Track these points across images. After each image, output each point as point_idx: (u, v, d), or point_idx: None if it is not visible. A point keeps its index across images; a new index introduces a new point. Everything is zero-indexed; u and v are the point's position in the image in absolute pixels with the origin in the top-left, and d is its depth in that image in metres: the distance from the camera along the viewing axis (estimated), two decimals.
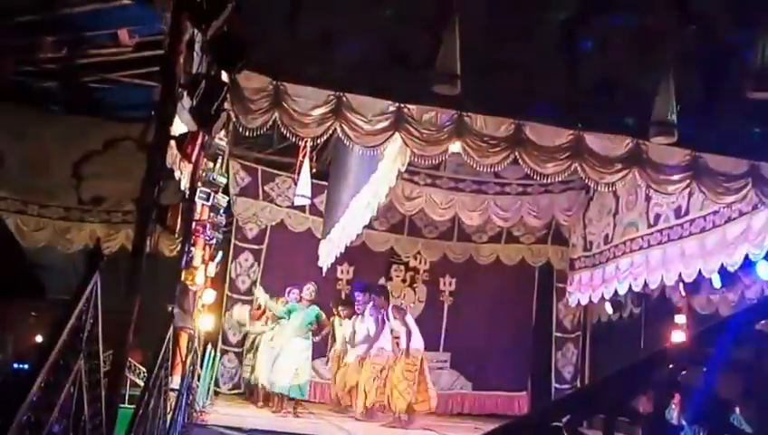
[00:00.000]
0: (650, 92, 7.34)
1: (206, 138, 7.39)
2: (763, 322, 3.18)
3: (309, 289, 11.08)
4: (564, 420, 3.06)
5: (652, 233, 11.02)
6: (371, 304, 11.09)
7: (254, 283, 13.40)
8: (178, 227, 6.35)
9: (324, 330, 11.54)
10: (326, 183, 12.66)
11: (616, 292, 12.02)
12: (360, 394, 10.83)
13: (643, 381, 3.12)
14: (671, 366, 3.12)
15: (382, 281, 13.89)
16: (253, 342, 12.44)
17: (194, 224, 8.13)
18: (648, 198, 11.02)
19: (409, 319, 10.90)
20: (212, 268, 9.72)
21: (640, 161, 8.18)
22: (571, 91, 7.77)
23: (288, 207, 13.39)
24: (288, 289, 11.48)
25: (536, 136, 8.11)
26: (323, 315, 11.20)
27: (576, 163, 8.22)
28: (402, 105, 7.85)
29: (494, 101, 7.88)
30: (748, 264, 9.30)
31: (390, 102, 7.84)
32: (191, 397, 8.67)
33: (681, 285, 10.85)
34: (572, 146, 8.14)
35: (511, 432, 3.26)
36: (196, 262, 8.56)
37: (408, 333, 10.65)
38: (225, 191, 10.50)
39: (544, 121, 8.09)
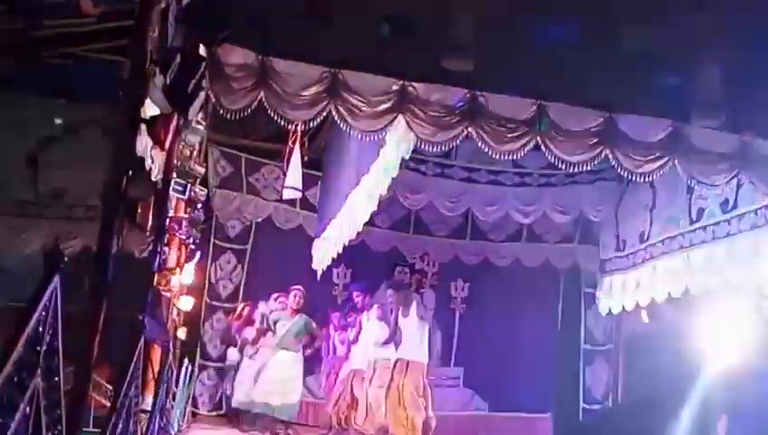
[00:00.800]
0: (693, 69, 7.34)
1: (182, 121, 7.40)
2: None
3: (295, 296, 11.07)
4: None
5: (695, 230, 11.01)
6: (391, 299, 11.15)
7: (236, 288, 13.41)
8: (150, 223, 6.37)
9: (317, 342, 11.56)
10: (320, 173, 12.65)
11: (653, 298, 12.01)
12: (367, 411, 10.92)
13: None
14: None
15: (384, 286, 13.91)
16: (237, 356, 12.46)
17: (168, 220, 8.14)
18: (690, 190, 11.00)
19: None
20: (189, 271, 9.73)
21: (682, 148, 8.18)
22: (601, 68, 7.76)
23: (276, 200, 13.38)
24: (274, 296, 11.49)
25: (561, 119, 8.11)
26: (314, 325, 11.21)
27: (607, 150, 8.22)
28: (407, 83, 7.85)
29: (513, 78, 7.88)
30: None
31: (393, 80, 7.84)
32: (165, 419, 8.69)
33: None
34: (603, 130, 8.14)
35: None
36: (171, 264, 8.57)
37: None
38: (204, 183, 10.51)
39: (571, 102, 8.09)
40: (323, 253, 12.26)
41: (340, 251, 11.91)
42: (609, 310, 13.49)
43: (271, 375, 10.69)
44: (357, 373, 11.48)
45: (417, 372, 10.86)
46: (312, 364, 12.38)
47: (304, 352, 11.14)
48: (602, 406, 13.99)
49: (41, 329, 3.08)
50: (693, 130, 8.07)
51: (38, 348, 3.08)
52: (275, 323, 10.96)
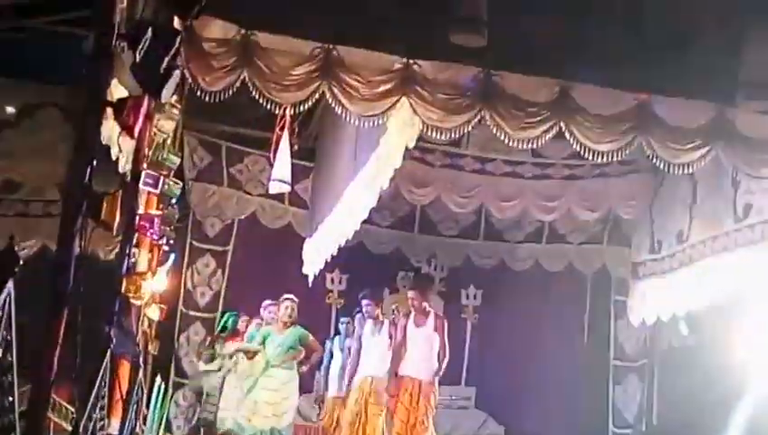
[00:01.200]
0: (740, 45, 7.34)
1: (154, 105, 7.39)
2: None
3: (286, 307, 11.01)
4: None
5: (741, 229, 11.01)
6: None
7: (216, 295, 13.41)
8: (117, 221, 6.36)
9: (314, 356, 11.52)
10: (312, 165, 12.66)
11: (692, 307, 12.02)
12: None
13: None
14: None
15: (386, 293, 13.92)
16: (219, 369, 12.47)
17: (137, 218, 8.14)
18: (735, 184, 11.01)
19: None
20: (162, 276, 9.73)
21: (726, 135, 8.19)
22: (634, 43, 7.77)
23: (261, 195, 13.41)
24: (264, 305, 11.47)
25: (588, 102, 8.13)
26: (310, 337, 11.15)
27: (641, 137, 8.23)
28: (411, 61, 7.86)
29: (533, 55, 7.88)
30: None
31: (396, 58, 7.85)
32: None
33: None
34: (636, 115, 8.16)
35: None
36: (141, 268, 8.57)
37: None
38: (179, 175, 10.51)
39: (599, 83, 8.09)
40: (316, 256, 12.27)
41: (335, 253, 11.91)
42: (643, 320, 13.47)
43: (260, 396, 10.65)
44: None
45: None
46: (308, 382, 12.33)
47: (299, 368, 11.08)
48: (634, 430, 14.01)
49: None
50: (739, 115, 8.07)
51: None
52: (264, 338, 10.92)
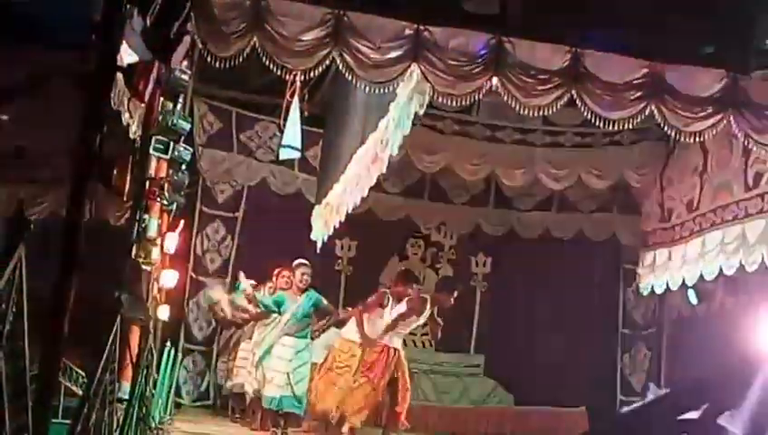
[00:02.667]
0: (752, 13, 7.29)
1: (164, 70, 7.38)
2: None
3: (302, 273, 10.98)
4: None
5: (751, 198, 10.97)
6: None
7: (226, 261, 13.44)
8: (127, 187, 6.38)
9: (331, 319, 11.51)
10: (321, 131, 12.62)
11: (702, 276, 12.01)
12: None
13: None
14: None
15: (395, 260, 13.93)
16: (231, 338, 12.50)
17: (147, 184, 8.14)
18: (746, 153, 10.96)
19: None
20: (172, 242, 9.75)
21: (738, 103, 8.14)
22: (645, 10, 7.72)
23: (271, 161, 13.39)
24: (277, 271, 11.46)
25: (599, 69, 8.09)
26: (325, 302, 11.13)
27: (652, 105, 8.20)
28: (422, 27, 7.82)
29: (544, 22, 7.84)
30: None
31: (406, 24, 7.82)
32: (144, 409, 8.75)
33: None
34: (647, 82, 8.12)
35: None
36: (151, 234, 8.57)
37: None
38: (189, 141, 10.49)
39: (611, 50, 8.05)
40: (324, 222, 12.26)
41: (343, 220, 11.89)
42: (652, 289, 13.48)
43: (276, 363, 10.66)
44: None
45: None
46: None
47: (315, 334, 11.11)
48: (642, 398, 14.02)
49: (3, 306, 3.09)
50: (752, 83, 8.03)
51: (0, 328, 3.09)
52: (279, 305, 10.90)
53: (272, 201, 13.57)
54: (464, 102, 8.78)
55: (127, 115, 8.07)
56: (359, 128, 10.30)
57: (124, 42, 5.87)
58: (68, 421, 4.91)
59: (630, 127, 9.23)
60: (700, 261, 11.96)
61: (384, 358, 10.91)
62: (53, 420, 4.70)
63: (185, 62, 8.57)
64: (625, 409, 13.81)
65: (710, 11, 7.74)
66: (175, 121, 8.58)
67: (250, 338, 11.61)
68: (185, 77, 8.84)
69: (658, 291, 13.40)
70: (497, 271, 14.56)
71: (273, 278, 11.49)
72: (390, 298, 11.09)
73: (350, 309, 11.54)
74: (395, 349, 11.02)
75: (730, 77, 8.11)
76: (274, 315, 10.99)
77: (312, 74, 8.53)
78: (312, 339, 11.08)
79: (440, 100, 8.65)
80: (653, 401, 11.95)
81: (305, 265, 11.00)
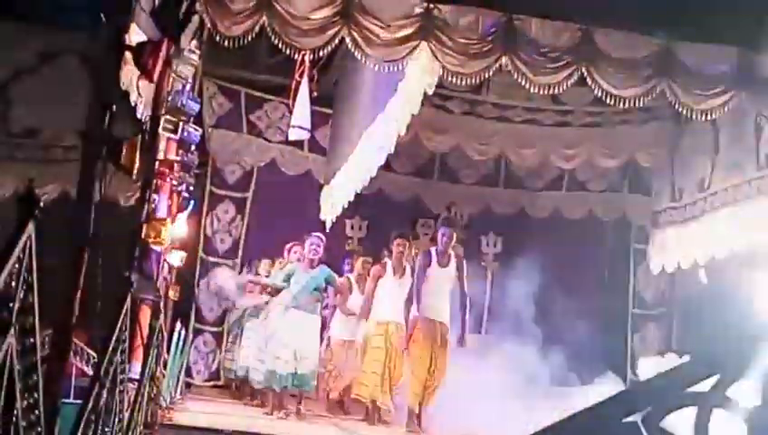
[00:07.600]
0: None
1: (173, 49, 7.36)
2: None
3: (311, 243, 10.77)
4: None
5: (763, 177, 10.95)
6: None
7: (236, 242, 13.46)
8: (137, 167, 6.36)
9: (342, 298, 11.45)
10: (331, 111, 12.61)
11: (713, 256, 11.99)
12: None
13: None
14: None
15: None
16: (239, 319, 12.51)
17: (157, 164, 8.14)
18: (758, 131, 10.93)
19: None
20: (181, 222, 9.76)
21: (750, 81, 8.11)
22: None
23: (281, 142, 13.40)
24: (289, 246, 11.42)
25: (610, 46, 8.07)
26: (336, 278, 11.03)
27: (663, 83, 8.18)
28: (431, 5, 7.80)
29: None
30: None
31: (416, 1, 7.79)
32: (155, 390, 8.77)
33: None
34: (659, 60, 8.11)
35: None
36: (161, 214, 8.58)
37: None
38: (199, 121, 10.49)
39: (621, 27, 8.02)
40: (333, 201, 12.26)
41: (351, 199, 11.88)
42: (663, 268, 13.46)
43: (284, 339, 10.52)
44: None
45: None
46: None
47: (324, 311, 11.02)
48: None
49: (13, 284, 3.08)
50: (764, 61, 7.98)
51: (10, 305, 3.08)
52: (289, 276, 10.74)
53: (281, 181, 13.58)
54: (473, 81, 8.75)
55: (136, 95, 8.04)
56: (368, 107, 10.29)
57: (133, 21, 5.85)
58: (79, 402, 4.90)
59: (641, 105, 9.22)
60: (711, 240, 11.94)
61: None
62: (64, 401, 4.71)
63: (194, 42, 8.57)
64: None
65: None
66: (184, 102, 8.58)
67: (257, 317, 11.64)
68: (194, 57, 8.86)
69: (669, 270, 13.38)
70: (507, 251, 14.55)
71: (285, 253, 11.50)
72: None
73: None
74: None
75: (741, 54, 8.08)
76: (284, 292, 10.82)
77: (321, 53, 8.52)
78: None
79: (450, 79, 8.63)
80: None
81: (316, 236, 10.78)
